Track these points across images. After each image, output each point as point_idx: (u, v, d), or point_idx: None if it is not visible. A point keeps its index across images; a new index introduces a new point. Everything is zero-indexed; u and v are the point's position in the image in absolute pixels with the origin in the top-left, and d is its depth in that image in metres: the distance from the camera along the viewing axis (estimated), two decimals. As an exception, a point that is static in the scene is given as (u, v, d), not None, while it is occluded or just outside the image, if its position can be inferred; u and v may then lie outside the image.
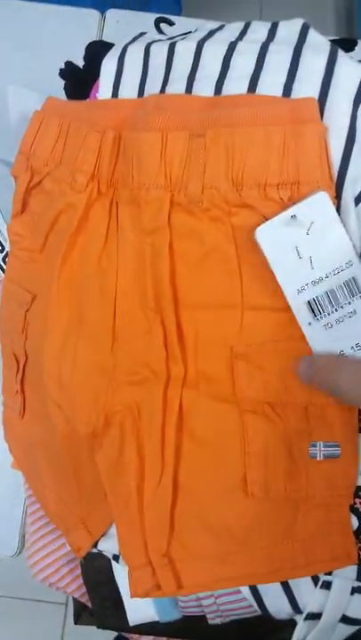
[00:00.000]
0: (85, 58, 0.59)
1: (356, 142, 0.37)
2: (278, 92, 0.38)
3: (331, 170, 0.37)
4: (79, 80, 0.58)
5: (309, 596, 0.40)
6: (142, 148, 0.38)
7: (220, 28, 0.43)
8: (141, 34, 0.47)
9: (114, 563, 0.45)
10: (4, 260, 0.53)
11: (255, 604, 0.42)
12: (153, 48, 0.43)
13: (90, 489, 0.43)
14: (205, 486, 0.39)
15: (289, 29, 0.40)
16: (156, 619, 0.45)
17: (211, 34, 0.42)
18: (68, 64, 0.59)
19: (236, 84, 0.39)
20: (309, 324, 0.37)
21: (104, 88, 0.45)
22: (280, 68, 0.38)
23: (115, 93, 0.44)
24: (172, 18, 0.61)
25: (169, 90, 0.41)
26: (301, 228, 0.36)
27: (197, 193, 0.37)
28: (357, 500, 0.40)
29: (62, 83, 0.58)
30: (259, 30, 0.41)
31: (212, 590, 0.42)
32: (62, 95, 0.57)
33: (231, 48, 0.40)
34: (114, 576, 0.46)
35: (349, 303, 0.36)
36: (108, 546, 0.44)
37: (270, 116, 0.37)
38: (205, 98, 0.40)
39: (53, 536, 0.50)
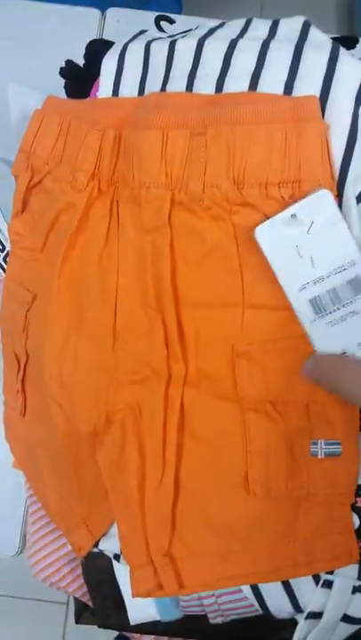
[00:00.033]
0: (86, 56, 0.59)
1: (358, 140, 0.37)
2: (279, 89, 0.38)
3: (332, 168, 0.37)
4: (79, 79, 0.58)
5: (310, 595, 0.40)
6: (143, 146, 0.38)
7: (221, 25, 0.43)
8: (142, 32, 0.47)
9: (115, 562, 0.45)
10: (4, 259, 0.53)
11: (256, 604, 0.41)
12: (153, 46, 0.43)
13: (91, 488, 0.43)
14: (207, 485, 0.39)
15: (290, 27, 0.40)
16: (158, 618, 0.45)
17: (211, 31, 0.42)
18: (69, 63, 0.59)
19: (237, 81, 0.39)
20: (312, 322, 0.37)
21: (104, 86, 0.44)
22: (281, 66, 0.38)
23: (115, 92, 0.44)
24: (173, 16, 0.61)
25: (169, 88, 0.41)
26: (302, 227, 0.35)
27: (198, 191, 0.37)
28: (359, 499, 0.40)
29: (63, 81, 0.58)
30: (260, 28, 0.41)
31: (213, 589, 0.42)
32: (63, 94, 0.57)
33: (232, 46, 0.40)
34: (115, 575, 0.46)
35: (352, 302, 0.36)
36: (110, 545, 0.44)
37: (272, 113, 0.37)
38: (206, 96, 0.40)
39: (54, 535, 0.50)
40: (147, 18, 0.62)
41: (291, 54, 0.38)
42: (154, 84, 0.42)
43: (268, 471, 0.38)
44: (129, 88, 0.44)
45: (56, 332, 0.42)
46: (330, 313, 0.36)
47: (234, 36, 0.41)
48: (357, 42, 0.57)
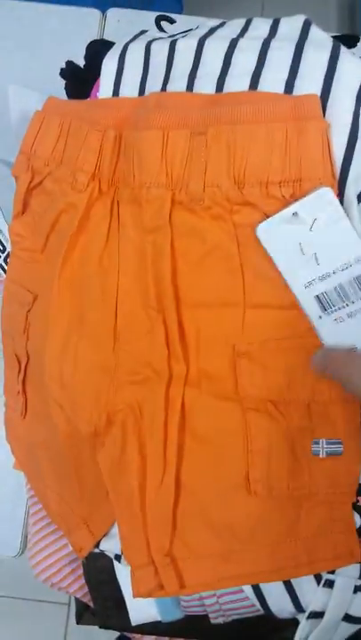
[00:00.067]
0: (86, 57, 0.59)
1: (359, 139, 0.37)
2: (280, 88, 0.38)
3: (333, 167, 0.37)
4: (80, 79, 0.58)
5: (312, 594, 0.40)
6: (143, 146, 0.38)
7: (222, 25, 0.43)
8: (142, 32, 0.47)
9: (116, 562, 0.45)
10: (5, 260, 0.53)
11: (258, 603, 0.41)
12: (154, 46, 0.43)
13: (92, 488, 0.43)
14: (208, 485, 0.39)
15: (291, 26, 0.40)
16: (159, 618, 0.45)
17: (212, 31, 0.42)
18: (69, 63, 0.59)
19: (238, 81, 0.39)
20: (320, 317, 0.37)
21: (105, 87, 0.44)
22: (282, 65, 0.38)
23: (115, 92, 0.44)
24: (173, 16, 0.61)
25: (170, 88, 0.41)
26: (304, 225, 0.35)
27: (199, 191, 0.37)
28: (360, 498, 0.40)
29: (63, 82, 0.58)
30: (260, 27, 0.41)
31: (214, 589, 0.42)
32: (63, 95, 0.57)
33: (232, 45, 0.40)
34: (116, 576, 0.46)
35: (360, 299, 0.36)
36: (110, 545, 0.44)
37: (272, 112, 0.37)
38: (207, 95, 0.40)
39: (55, 536, 0.50)
40: (147, 18, 0.62)
41: (291, 53, 0.38)
42: (154, 84, 0.42)
43: (270, 471, 0.38)
44: (129, 88, 0.44)
45: (56, 333, 0.42)
46: (338, 309, 0.36)
47: (234, 36, 0.41)
48: (358, 40, 0.57)
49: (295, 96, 0.38)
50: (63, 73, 0.59)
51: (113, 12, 0.64)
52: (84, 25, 0.64)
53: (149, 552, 0.39)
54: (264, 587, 0.41)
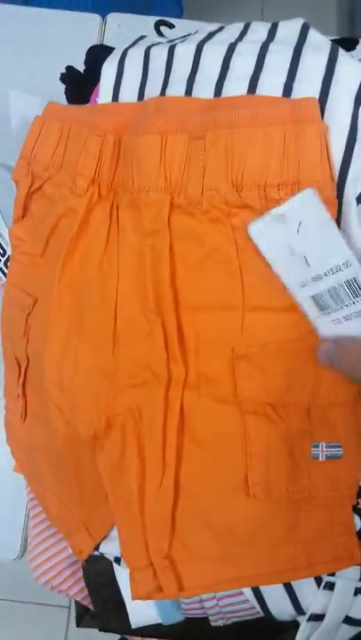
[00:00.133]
0: (86, 62, 0.59)
1: (358, 141, 0.37)
2: (278, 92, 0.38)
3: (332, 169, 0.37)
4: (80, 84, 0.58)
5: (312, 596, 0.40)
6: (142, 150, 0.38)
7: (220, 29, 0.43)
8: (141, 37, 0.48)
9: (116, 565, 0.45)
10: (5, 264, 0.53)
11: (258, 606, 0.41)
12: (153, 51, 0.43)
13: (91, 491, 0.43)
14: (207, 488, 0.39)
15: (289, 29, 0.40)
16: (159, 621, 0.45)
17: (210, 35, 0.42)
18: (69, 69, 0.59)
19: (236, 85, 0.39)
20: (319, 317, 0.37)
21: (104, 92, 0.45)
22: (280, 69, 0.38)
23: (115, 97, 0.44)
24: (173, 20, 0.61)
25: (169, 92, 0.42)
26: (291, 226, 0.35)
27: (197, 195, 0.37)
28: (360, 501, 0.40)
29: (63, 87, 0.58)
30: (258, 31, 0.41)
31: (214, 592, 0.42)
32: (63, 100, 0.57)
33: (231, 49, 0.40)
34: (116, 578, 0.46)
35: (354, 303, 0.35)
36: (110, 548, 0.44)
37: (271, 116, 0.37)
38: (205, 100, 0.40)
39: (55, 539, 0.50)
40: (147, 22, 0.62)
41: (290, 56, 0.38)
42: (153, 89, 0.43)
43: (269, 474, 0.38)
44: (129, 93, 0.44)
45: (56, 337, 0.42)
46: (334, 311, 0.36)
47: (233, 40, 0.41)
48: (357, 43, 0.57)
49: (293, 99, 0.38)
50: (63, 78, 0.59)
51: (113, 17, 0.64)
52: (85, 30, 0.64)
53: (148, 554, 0.39)
54: (264, 589, 0.41)
